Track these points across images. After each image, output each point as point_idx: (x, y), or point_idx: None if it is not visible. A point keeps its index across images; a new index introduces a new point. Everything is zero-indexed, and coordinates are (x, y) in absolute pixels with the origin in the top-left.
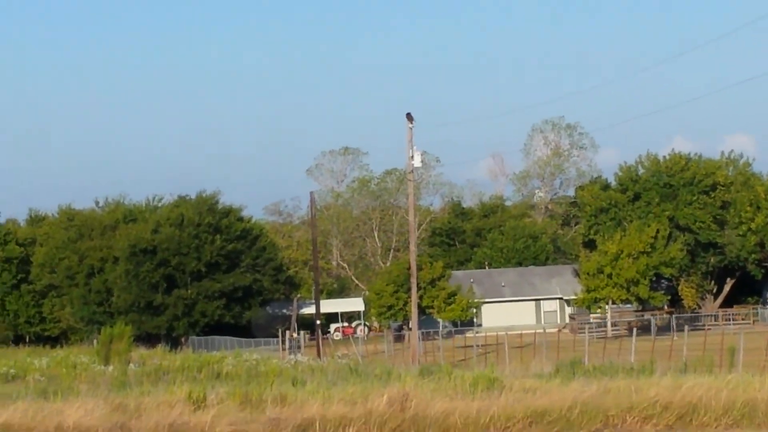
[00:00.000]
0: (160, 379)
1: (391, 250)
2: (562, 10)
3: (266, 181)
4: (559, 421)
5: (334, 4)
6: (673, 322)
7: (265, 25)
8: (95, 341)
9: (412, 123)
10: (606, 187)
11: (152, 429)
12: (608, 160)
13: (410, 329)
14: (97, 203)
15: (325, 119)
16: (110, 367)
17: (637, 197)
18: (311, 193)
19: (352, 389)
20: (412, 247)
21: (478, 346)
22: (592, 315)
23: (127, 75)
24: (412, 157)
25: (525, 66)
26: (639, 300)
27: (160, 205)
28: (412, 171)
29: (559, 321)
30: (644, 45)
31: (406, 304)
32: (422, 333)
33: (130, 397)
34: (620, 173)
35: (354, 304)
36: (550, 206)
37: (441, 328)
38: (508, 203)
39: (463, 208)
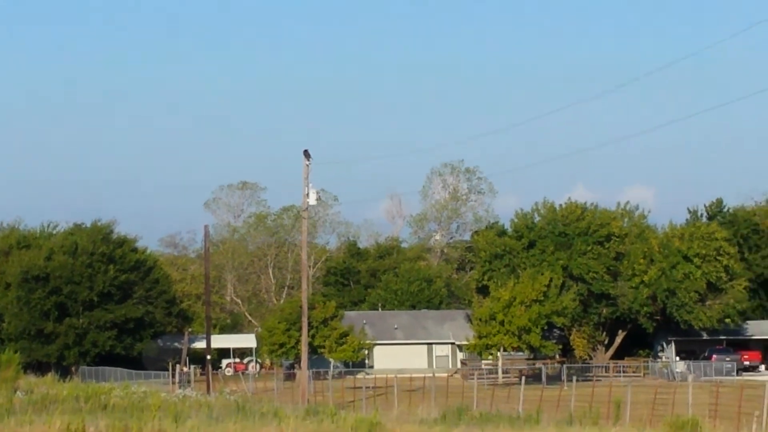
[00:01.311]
0: (46, 409)
1: (285, 288)
2: (463, 53)
3: (163, 213)
4: None
5: (234, 36)
6: (564, 372)
7: (166, 52)
8: None
9: (309, 160)
10: (502, 233)
11: None
12: (508, 206)
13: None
14: None
15: (224, 153)
16: None
17: (532, 245)
18: (205, 226)
19: (232, 428)
20: (304, 286)
21: (368, 387)
22: (483, 361)
23: (25, 97)
24: (308, 194)
25: (427, 108)
26: (531, 348)
27: (54, 232)
28: (306, 209)
29: (450, 366)
30: (550, 91)
31: (297, 342)
32: (313, 372)
33: (7, 428)
34: (516, 220)
35: (246, 340)
36: (446, 250)
37: (332, 368)
38: (404, 245)
39: (359, 249)
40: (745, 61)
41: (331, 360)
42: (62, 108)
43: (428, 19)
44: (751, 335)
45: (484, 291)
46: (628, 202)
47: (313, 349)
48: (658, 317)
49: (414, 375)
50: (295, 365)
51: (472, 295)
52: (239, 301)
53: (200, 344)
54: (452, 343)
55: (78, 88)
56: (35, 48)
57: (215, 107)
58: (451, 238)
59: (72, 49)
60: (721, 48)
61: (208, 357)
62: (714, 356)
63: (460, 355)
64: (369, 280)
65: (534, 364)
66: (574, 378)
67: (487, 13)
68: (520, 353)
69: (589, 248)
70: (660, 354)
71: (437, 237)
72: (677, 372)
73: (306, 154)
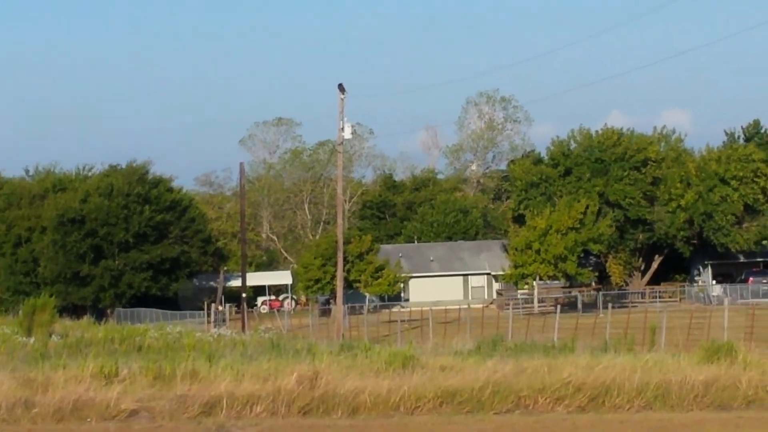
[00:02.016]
0: (81, 352)
1: (321, 223)
2: None
3: (199, 152)
4: (470, 401)
5: None
6: (600, 299)
7: None
8: (20, 312)
9: (344, 94)
10: (538, 161)
11: (56, 405)
12: (545, 134)
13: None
14: (26, 171)
15: (259, 89)
16: (32, 339)
17: (568, 172)
18: (240, 163)
19: (266, 365)
20: (339, 221)
21: (403, 321)
22: (519, 291)
23: (57, 42)
24: (343, 128)
25: (460, 37)
26: (567, 276)
27: (90, 174)
28: (342, 143)
29: (486, 296)
30: (584, 17)
31: (333, 277)
32: (349, 307)
33: (39, 372)
34: (552, 148)
35: (282, 277)
36: (482, 180)
37: (367, 302)
38: (440, 176)
39: (395, 181)
40: None
41: (366, 294)
42: (95, 48)
43: None
44: None
45: (520, 220)
46: (664, 126)
47: (348, 284)
48: (695, 241)
49: (449, 307)
50: (331, 301)
51: (509, 225)
52: (275, 237)
53: (236, 282)
54: (488, 274)
55: (112, 27)
56: None
57: (248, 43)
58: (487, 168)
59: None
60: None
61: (243, 295)
62: (750, 279)
63: (496, 286)
64: (405, 212)
65: (570, 292)
66: (610, 305)
67: None
68: (556, 282)
69: (626, 174)
70: (696, 278)
71: (473, 167)
72: (713, 296)
73: (341, 87)
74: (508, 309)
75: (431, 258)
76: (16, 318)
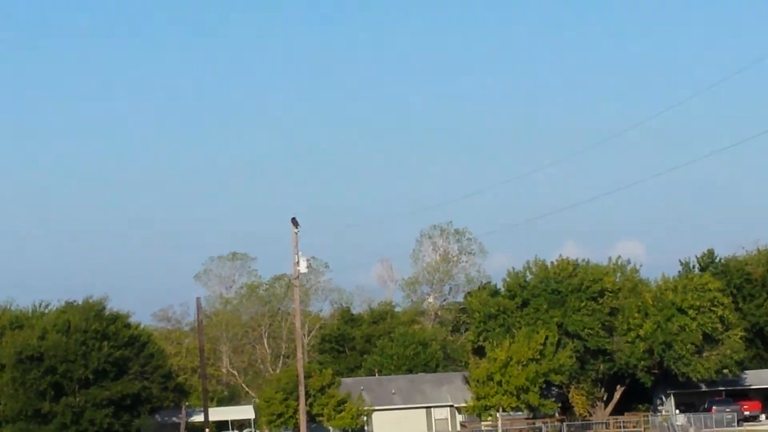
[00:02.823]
0: None
1: (281, 357)
2: (446, 113)
3: (155, 287)
4: None
5: (217, 106)
6: (564, 430)
7: (151, 124)
8: None
9: (297, 228)
10: (495, 293)
11: None
12: (500, 265)
13: None
14: None
15: (214, 224)
16: None
17: (525, 303)
18: (197, 299)
19: None
20: (299, 354)
21: None
22: (483, 423)
23: (11, 178)
24: (298, 262)
25: (413, 170)
26: (530, 407)
27: (47, 311)
28: (297, 277)
29: (450, 429)
30: (536, 149)
31: (296, 411)
32: None
33: None
34: (508, 279)
35: (244, 411)
36: (439, 312)
37: None
38: (397, 309)
39: (353, 315)
40: (730, 111)
41: (330, 428)
42: (49, 187)
43: (410, 82)
44: (750, 385)
45: (480, 352)
46: (619, 257)
47: (311, 418)
48: (656, 371)
49: None
50: None
51: (468, 357)
52: (235, 372)
53: (198, 418)
54: (451, 406)
55: (63, 167)
56: (20, 126)
57: (202, 178)
58: (444, 300)
59: (55, 124)
60: (704, 99)
61: (206, 430)
62: (714, 408)
63: (459, 418)
64: (364, 346)
65: (534, 424)
66: None
67: (470, 73)
68: (519, 413)
69: (583, 304)
70: (659, 408)
71: (430, 300)
72: (678, 425)
73: (294, 222)
74: None
75: (393, 391)
76: None
